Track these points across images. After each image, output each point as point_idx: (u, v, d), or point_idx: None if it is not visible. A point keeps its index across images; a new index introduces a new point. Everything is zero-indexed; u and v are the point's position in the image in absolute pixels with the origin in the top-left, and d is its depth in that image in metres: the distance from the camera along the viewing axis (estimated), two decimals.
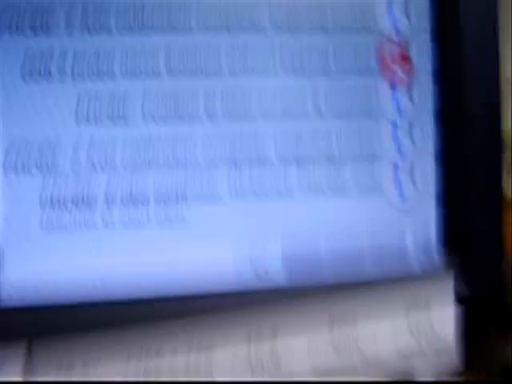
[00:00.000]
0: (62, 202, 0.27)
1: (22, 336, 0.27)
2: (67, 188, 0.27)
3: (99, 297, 0.28)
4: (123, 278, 0.28)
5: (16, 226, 0.27)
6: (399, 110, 0.30)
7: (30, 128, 0.27)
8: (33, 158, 0.27)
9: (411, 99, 0.30)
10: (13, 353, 0.26)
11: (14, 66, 0.27)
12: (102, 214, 0.28)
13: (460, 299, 0.29)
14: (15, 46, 0.27)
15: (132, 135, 0.28)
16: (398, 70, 0.30)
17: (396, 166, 0.30)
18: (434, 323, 0.29)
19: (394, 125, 0.30)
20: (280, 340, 0.28)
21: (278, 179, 0.29)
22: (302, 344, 0.28)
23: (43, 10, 0.27)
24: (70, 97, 0.27)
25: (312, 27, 0.29)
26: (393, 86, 0.30)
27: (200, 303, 0.28)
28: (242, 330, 0.28)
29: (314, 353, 0.28)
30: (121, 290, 0.28)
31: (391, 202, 0.30)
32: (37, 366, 0.27)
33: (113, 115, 0.28)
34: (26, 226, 0.27)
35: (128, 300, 0.28)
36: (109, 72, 0.27)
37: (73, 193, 0.27)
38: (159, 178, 0.28)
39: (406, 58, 0.30)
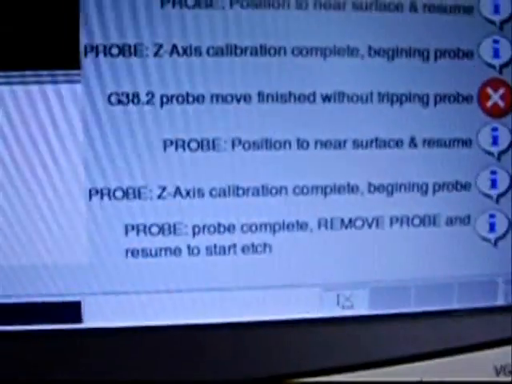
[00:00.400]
0: (148, 227, 0.27)
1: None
2: (153, 214, 0.27)
3: (180, 321, 0.28)
4: (206, 303, 0.28)
5: (100, 251, 0.27)
6: (496, 141, 0.28)
7: (115, 151, 0.26)
8: (118, 183, 0.27)
9: (509, 130, 0.28)
10: None
11: (100, 86, 0.26)
12: (187, 240, 0.27)
13: None
14: (101, 66, 0.26)
15: (220, 161, 0.27)
16: (498, 101, 0.28)
17: (488, 197, 0.29)
18: None
19: (490, 155, 0.28)
20: None
21: (367, 208, 0.28)
22: None
23: (132, 32, 0.26)
24: (157, 121, 0.26)
25: (410, 53, 0.27)
26: (491, 116, 0.28)
27: (283, 329, 0.28)
28: None
29: None
30: (203, 314, 0.28)
31: (481, 233, 0.29)
32: None
33: (201, 140, 0.27)
34: (111, 250, 0.27)
35: (209, 324, 0.28)
36: (198, 96, 0.26)
37: (158, 219, 0.27)
38: (246, 205, 0.27)
39: (507, 89, 0.28)
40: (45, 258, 0.27)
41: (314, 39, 0.27)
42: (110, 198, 0.27)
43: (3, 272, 0.27)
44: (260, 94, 0.27)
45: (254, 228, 0.27)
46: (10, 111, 0.25)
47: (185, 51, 0.26)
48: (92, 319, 0.27)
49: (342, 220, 0.28)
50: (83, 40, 0.26)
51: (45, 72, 0.26)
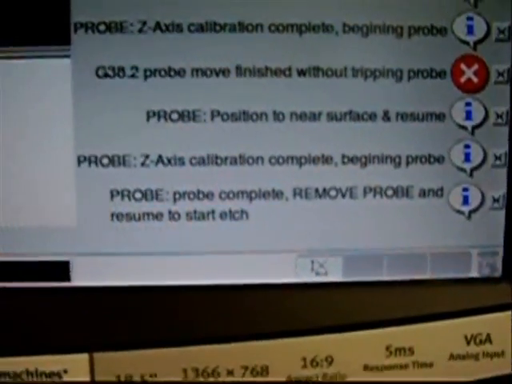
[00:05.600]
0: (132, 193, 0.29)
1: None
2: (136, 180, 0.29)
3: (162, 282, 0.29)
4: (186, 266, 0.29)
5: (87, 214, 0.29)
6: (469, 116, 0.29)
7: (102, 121, 0.28)
8: (104, 151, 0.28)
9: (483, 105, 0.29)
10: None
11: (88, 61, 0.28)
12: (168, 206, 0.29)
13: None
14: (89, 42, 0.28)
15: (199, 131, 0.29)
16: (472, 76, 0.29)
17: (462, 171, 0.29)
18: (490, 329, 0.29)
19: (463, 129, 0.29)
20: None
21: (341, 178, 0.29)
22: None
23: (118, 10, 0.28)
24: (141, 93, 0.28)
25: (384, 29, 0.28)
26: (465, 92, 0.29)
27: (259, 293, 0.29)
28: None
29: None
30: (184, 276, 0.29)
31: (454, 206, 0.30)
32: None
33: (182, 111, 0.28)
34: (97, 214, 0.29)
35: (189, 286, 0.29)
36: (179, 70, 0.28)
37: (141, 185, 0.29)
38: (224, 173, 0.29)
39: (481, 65, 0.29)
40: (36, 220, 0.29)
41: (290, 15, 0.28)
42: (96, 165, 0.29)
43: None
44: (238, 68, 0.28)
45: (231, 195, 0.29)
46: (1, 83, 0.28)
47: (167, 28, 0.28)
48: (80, 278, 0.29)
49: (317, 189, 0.29)
50: (73, 17, 0.28)
51: (37, 47, 0.28)
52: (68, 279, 0.29)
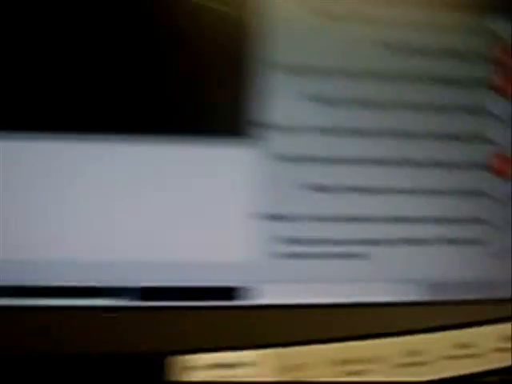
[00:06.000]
0: (285, 239, 0.41)
1: None
2: (293, 231, 0.40)
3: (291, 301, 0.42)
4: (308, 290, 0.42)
5: (254, 252, 0.40)
6: (499, 196, 0.44)
7: (273, 193, 0.40)
8: (270, 211, 0.40)
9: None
10: None
11: (265, 150, 0.39)
12: (310, 249, 0.41)
13: None
14: (266, 135, 0.39)
15: (331, 199, 0.41)
16: (504, 171, 0.44)
17: (494, 228, 0.44)
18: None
19: (496, 207, 0.44)
20: None
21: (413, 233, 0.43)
22: None
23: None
24: (300, 173, 0.40)
25: (429, 134, 0.41)
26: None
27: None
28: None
29: None
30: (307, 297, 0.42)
31: (488, 251, 0.43)
32: None
33: (322, 186, 0.41)
34: (261, 253, 0.40)
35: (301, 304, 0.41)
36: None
37: (291, 234, 0.41)
38: (344, 227, 0.41)
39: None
40: (210, 256, 0.39)
41: None
42: (264, 219, 0.40)
43: (170, 265, 0.39)
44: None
45: (348, 242, 0.42)
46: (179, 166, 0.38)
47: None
48: (243, 299, 0.40)
49: (396, 240, 0.43)
50: (254, 115, 0.38)
51: (216, 137, 0.38)
52: (232, 299, 0.40)
